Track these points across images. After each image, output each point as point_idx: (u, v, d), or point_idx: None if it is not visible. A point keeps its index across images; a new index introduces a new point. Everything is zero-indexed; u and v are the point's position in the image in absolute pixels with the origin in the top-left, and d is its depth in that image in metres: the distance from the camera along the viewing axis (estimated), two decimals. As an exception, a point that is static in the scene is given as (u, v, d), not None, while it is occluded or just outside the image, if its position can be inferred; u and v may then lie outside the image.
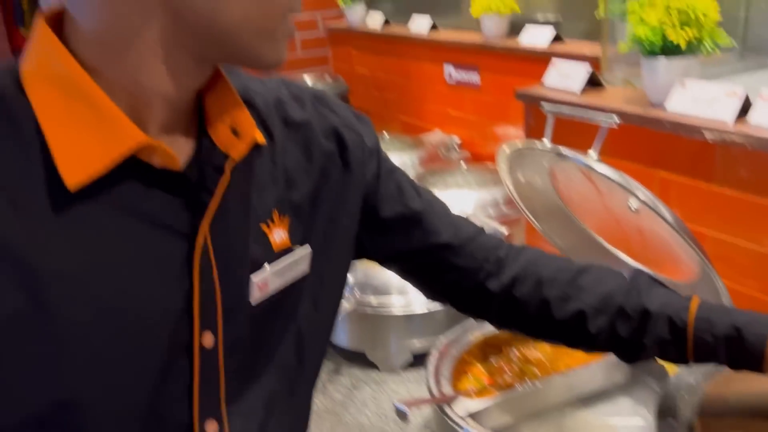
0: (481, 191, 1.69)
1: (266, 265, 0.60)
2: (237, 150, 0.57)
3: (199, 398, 0.58)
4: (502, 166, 1.02)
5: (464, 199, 1.68)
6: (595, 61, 1.42)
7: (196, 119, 0.58)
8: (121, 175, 0.52)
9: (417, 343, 1.26)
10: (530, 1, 2.11)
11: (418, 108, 2.39)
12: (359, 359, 1.30)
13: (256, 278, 0.60)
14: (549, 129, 0.93)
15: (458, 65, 2.13)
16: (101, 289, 0.52)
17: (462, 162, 1.88)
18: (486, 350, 1.13)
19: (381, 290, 1.27)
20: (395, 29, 2.48)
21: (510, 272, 0.74)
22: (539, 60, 1.79)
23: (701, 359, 0.70)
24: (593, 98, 1.22)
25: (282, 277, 0.62)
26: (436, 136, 2.22)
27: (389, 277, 1.28)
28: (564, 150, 0.89)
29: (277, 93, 0.66)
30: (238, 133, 0.58)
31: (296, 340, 0.66)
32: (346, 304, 1.24)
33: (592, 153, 0.86)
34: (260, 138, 0.59)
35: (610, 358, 1.03)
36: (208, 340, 0.57)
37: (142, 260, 0.53)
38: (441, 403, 0.94)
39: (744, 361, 0.68)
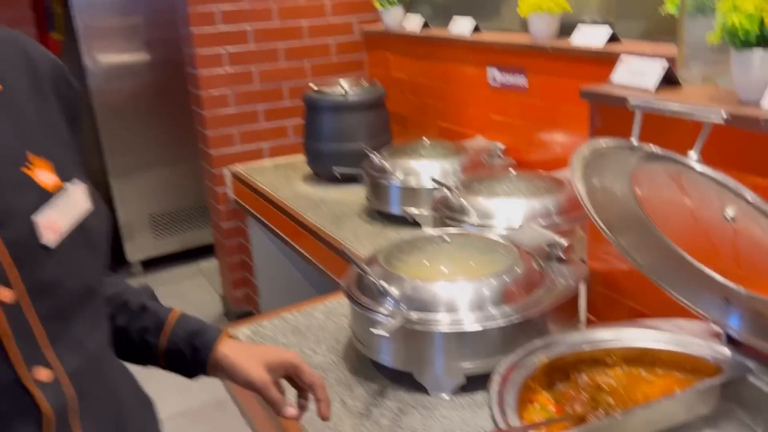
0: (531, 200, 1.58)
1: (44, 206, 0.63)
2: None
3: (19, 350, 0.59)
4: (577, 169, 0.91)
5: (513, 207, 1.57)
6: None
7: None
8: None
9: (469, 365, 1.14)
10: (580, 0, 2.00)
11: (459, 113, 2.29)
12: (406, 381, 1.19)
13: (40, 220, 0.62)
14: (637, 126, 0.81)
15: (503, 67, 2.03)
16: None
17: (511, 169, 1.77)
18: (552, 375, 1.01)
19: (429, 306, 1.16)
20: (435, 32, 2.38)
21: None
22: (594, 61, 1.68)
23: (173, 361, 0.87)
24: (671, 97, 1.11)
25: (65, 214, 0.65)
26: (478, 142, 2.11)
27: (438, 291, 1.17)
28: (658, 150, 0.78)
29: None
30: None
31: (100, 269, 0.71)
32: (392, 321, 1.13)
33: (693, 154, 0.75)
34: None
35: (696, 386, 0.91)
36: (5, 294, 0.59)
37: None
38: (509, 437, 0.83)
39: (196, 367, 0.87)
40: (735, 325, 0.96)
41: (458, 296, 1.16)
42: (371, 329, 1.08)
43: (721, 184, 0.74)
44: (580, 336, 1.05)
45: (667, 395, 0.90)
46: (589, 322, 1.32)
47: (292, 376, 0.92)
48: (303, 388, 0.94)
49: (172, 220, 3.40)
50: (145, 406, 0.85)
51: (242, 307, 2.78)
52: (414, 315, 1.15)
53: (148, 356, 0.88)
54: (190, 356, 0.87)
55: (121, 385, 0.79)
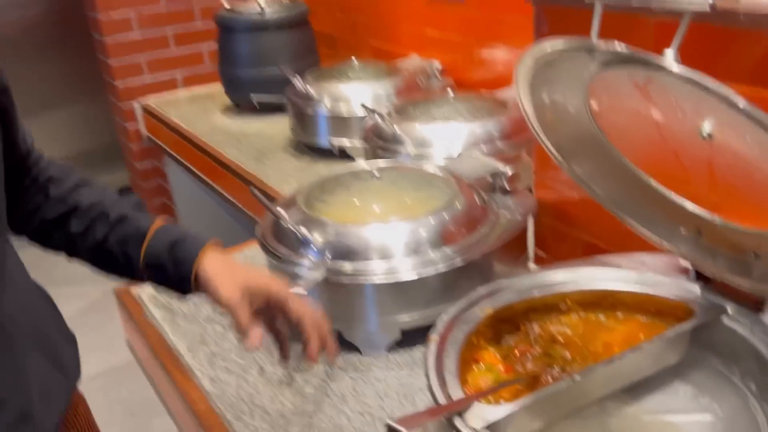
0: (471, 124, 1.41)
1: None
2: None
3: None
4: (522, 83, 0.74)
5: (452, 133, 1.40)
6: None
7: None
8: None
9: (406, 318, 0.99)
10: None
11: (392, 30, 2.07)
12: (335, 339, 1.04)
13: None
14: (596, 23, 0.64)
15: (437, -24, 1.81)
16: None
17: (449, 90, 1.58)
18: (499, 328, 0.86)
19: (357, 253, 0.99)
20: (361, -62, 2.13)
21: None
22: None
23: (157, 275, 0.82)
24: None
25: None
26: (413, 62, 1.91)
27: (367, 235, 1.00)
28: (625, 49, 0.61)
29: None
30: None
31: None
32: (313, 274, 0.96)
33: (670, 52, 0.58)
34: None
35: (665, 334, 0.78)
36: None
37: None
38: (450, 414, 0.68)
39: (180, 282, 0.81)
40: (707, 260, 0.83)
41: (391, 240, 1.00)
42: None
43: (704, 88, 0.58)
44: (530, 279, 0.90)
45: (631, 347, 0.77)
46: (539, 261, 1.18)
47: (281, 311, 0.82)
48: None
49: (84, 162, 3.10)
50: (70, 341, 0.86)
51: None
52: (340, 265, 0.99)
53: (131, 270, 0.83)
54: (172, 270, 0.81)
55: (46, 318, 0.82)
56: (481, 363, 0.82)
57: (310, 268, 0.98)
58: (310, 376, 0.98)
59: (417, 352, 1.01)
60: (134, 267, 0.82)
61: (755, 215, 0.75)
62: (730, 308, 0.80)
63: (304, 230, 1.01)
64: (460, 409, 0.69)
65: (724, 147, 0.71)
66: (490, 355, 0.84)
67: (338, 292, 0.99)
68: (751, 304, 0.80)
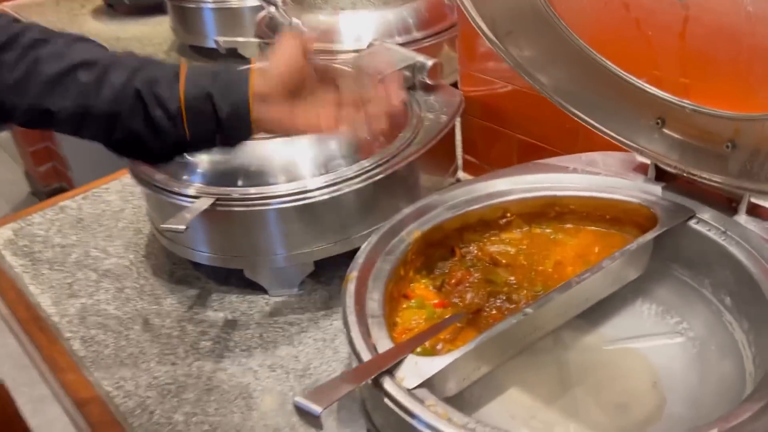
0: (383, 11, 1.21)
1: None
2: None
3: None
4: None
5: (361, 22, 1.19)
6: None
7: None
8: None
9: (320, 247, 0.83)
10: None
11: None
12: (236, 280, 0.87)
13: None
14: None
15: None
16: None
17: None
18: (429, 254, 0.71)
19: (255, 175, 0.80)
20: None
21: None
22: None
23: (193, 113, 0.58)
24: None
25: None
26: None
27: (266, 154, 0.81)
28: None
29: None
30: None
31: None
32: (200, 202, 0.78)
33: None
34: None
35: (626, 249, 0.65)
36: None
37: None
38: (376, 374, 0.53)
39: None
40: (672, 155, 0.69)
41: (294, 155, 0.81)
42: (163, 225, 0.72)
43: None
44: (462, 192, 0.75)
45: (590, 268, 0.63)
46: (470, 169, 1.03)
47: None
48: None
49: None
50: None
51: (52, 183, 2.29)
52: (232, 190, 0.80)
53: (163, 119, 0.58)
54: (222, 102, 0.58)
55: None
56: (412, 300, 0.67)
57: (194, 196, 0.79)
58: (207, 327, 0.81)
59: (335, 286, 0.85)
60: (167, 111, 0.58)
61: (734, 97, 0.61)
62: (698, 211, 0.68)
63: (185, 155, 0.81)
64: (387, 365, 0.53)
65: (702, 10, 0.55)
66: (422, 289, 0.69)
67: (233, 223, 0.81)
68: (724, 204, 0.68)
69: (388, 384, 0.53)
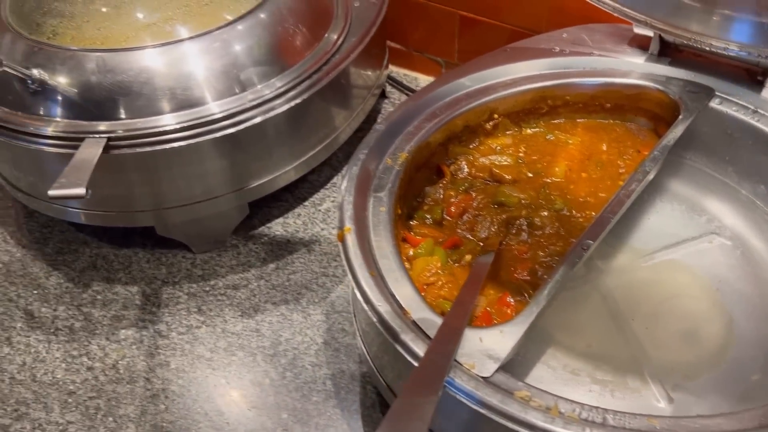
0: None
1: None
2: None
3: None
4: None
5: None
6: None
7: None
8: None
9: (254, 184, 0.64)
10: None
11: None
12: (140, 238, 0.66)
13: None
14: None
15: None
16: None
17: None
18: (415, 178, 0.56)
19: (149, 103, 0.58)
20: None
21: None
22: None
23: None
24: None
25: None
26: None
27: (159, 70, 0.59)
28: None
29: None
30: None
31: None
32: (87, 150, 0.55)
33: None
34: None
35: (662, 146, 0.54)
36: None
37: None
38: (439, 375, 0.38)
39: None
40: (678, 21, 0.58)
41: (197, 70, 0.60)
42: (52, 191, 0.49)
43: None
44: (436, 95, 0.60)
45: (632, 177, 0.51)
46: (397, 58, 0.86)
47: None
48: None
49: None
50: None
51: None
52: (125, 126, 0.58)
53: None
54: None
55: None
56: (420, 247, 0.52)
57: (72, 137, 0.57)
58: (121, 308, 0.61)
59: (276, 228, 0.68)
60: None
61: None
62: (718, 89, 0.58)
63: (40, 73, 0.57)
64: (452, 355, 0.39)
65: None
66: (422, 227, 0.54)
67: (134, 168, 0.59)
68: (745, 78, 0.58)
69: (461, 379, 0.39)
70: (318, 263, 0.64)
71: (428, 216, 0.55)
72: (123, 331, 0.59)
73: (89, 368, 0.56)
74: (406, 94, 0.84)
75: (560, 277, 0.44)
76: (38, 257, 0.66)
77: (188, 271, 0.64)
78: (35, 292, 0.63)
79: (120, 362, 0.57)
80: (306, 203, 0.70)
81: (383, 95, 0.82)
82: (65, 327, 0.60)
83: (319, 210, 0.70)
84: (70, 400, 0.54)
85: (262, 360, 0.56)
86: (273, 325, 0.59)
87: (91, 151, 0.54)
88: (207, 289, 0.62)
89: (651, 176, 0.52)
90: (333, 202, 0.70)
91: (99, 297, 0.62)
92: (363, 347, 0.49)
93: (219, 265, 0.65)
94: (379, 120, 0.56)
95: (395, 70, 0.85)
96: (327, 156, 0.69)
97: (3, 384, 0.56)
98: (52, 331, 0.59)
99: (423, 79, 0.86)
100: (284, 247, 0.66)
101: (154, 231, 0.64)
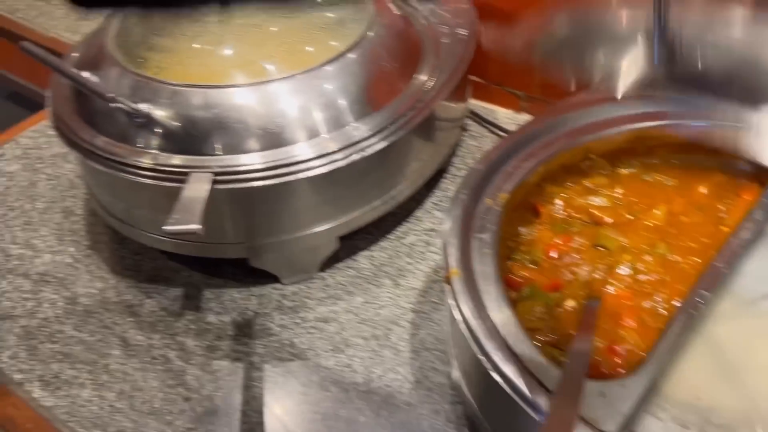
0: None
1: None
2: None
3: None
4: None
5: None
6: None
7: None
8: None
9: (343, 219, 0.65)
10: None
11: None
12: (230, 267, 0.68)
13: None
14: None
15: None
16: None
17: None
18: (511, 219, 0.56)
19: (247, 139, 0.60)
20: None
21: None
22: None
23: None
24: None
25: None
26: None
27: (257, 108, 0.60)
28: None
29: None
30: None
31: None
32: (197, 185, 0.56)
33: None
34: None
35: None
36: None
37: None
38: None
39: None
40: None
41: (296, 110, 0.61)
42: (167, 227, 0.51)
43: None
44: (529, 134, 0.60)
45: (744, 222, 0.51)
46: (477, 92, 0.86)
47: None
48: None
49: None
50: None
51: None
52: (231, 161, 0.59)
53: None
54: None
55: None
56: (521, 287, 0.52)
57: (179, 171, 0.58)
58: (214, 339, 0.62)
59: (362, 260, 0.68)
60: None
61: None
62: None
63: (149, 108, 0.59)
64: (574, 415, 0.39)
65: None
66: (520, 268, 0.54)
67: (235, 203, 0.61)
68: None
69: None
70: (405, 298, 0.64)
71: (527, 257, 0.55)
72: (216, 362, 0.60)
73: (186, 399, 0.57)
74: (485, 127, 0.84)
75: (680, 330, 0.43)
76: (131, 285, 0.68)
77: (278, 303, 0.65)
78: (130, 319, 0.64)
79: (216, 394, 0.58)
80: (390, 236, 0.71)
81: (463, 128, 0.82)
82: (160, 356, 0.61)
83: (404, 243, 0.70)
84: (168, 430, 0.55)
85: (356, 396, 0.56)
86: (364, 360, 0.59)
87: (199, 187, 0.55)
88: (297, 321, 0.63)
89: (766, 227, 0.51)
90: (417, 236, 0.71)
91: (192, 326, 0.63)
92: (466, 392, 0.49)
93: (308, 297, 0.65)
94: (478, 163, 0.56)
95: (473, 103, 0.86)
96: (414, 190, 0.69)
97: (103, 411, 0.57)
98: (147, 360, 0.61)
99: (501, 112, 0.86)
100: (371, 281, 0.66)
101: (244, 260, 0.65)
